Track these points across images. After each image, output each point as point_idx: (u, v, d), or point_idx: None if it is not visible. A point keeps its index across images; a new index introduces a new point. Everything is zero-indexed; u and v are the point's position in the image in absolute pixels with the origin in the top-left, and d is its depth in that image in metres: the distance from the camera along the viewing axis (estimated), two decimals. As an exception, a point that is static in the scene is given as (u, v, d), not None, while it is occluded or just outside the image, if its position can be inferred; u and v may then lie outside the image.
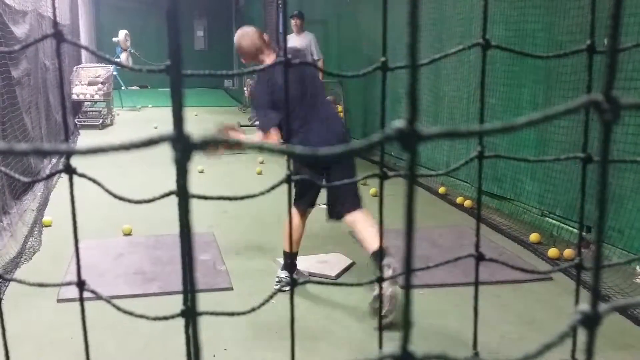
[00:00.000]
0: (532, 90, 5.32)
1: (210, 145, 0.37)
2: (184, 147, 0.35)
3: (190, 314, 0.41)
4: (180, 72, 0.36)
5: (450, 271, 4.11)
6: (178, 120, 0.35)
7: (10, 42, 5.62)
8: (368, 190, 6.42)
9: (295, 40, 8.90)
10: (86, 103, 12.11)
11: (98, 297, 0.70)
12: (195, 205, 0.41)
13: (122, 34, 15.26)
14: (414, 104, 0.33)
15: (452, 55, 0.86)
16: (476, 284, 0.70)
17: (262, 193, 0.70)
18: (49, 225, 5.29)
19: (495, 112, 5.70)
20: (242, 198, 0.66)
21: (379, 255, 3.42)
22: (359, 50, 9.17)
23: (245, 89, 14.39)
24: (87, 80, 11.87)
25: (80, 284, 0.65)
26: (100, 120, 11.64)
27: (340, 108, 8.98)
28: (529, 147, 5.36)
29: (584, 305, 0.37)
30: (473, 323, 0.90)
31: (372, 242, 3.59)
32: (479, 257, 0.71)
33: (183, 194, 0.37)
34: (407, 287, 0.42)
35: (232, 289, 4.06)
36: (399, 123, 0.34)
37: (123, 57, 14.90)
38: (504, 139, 5.62)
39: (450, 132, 0.34)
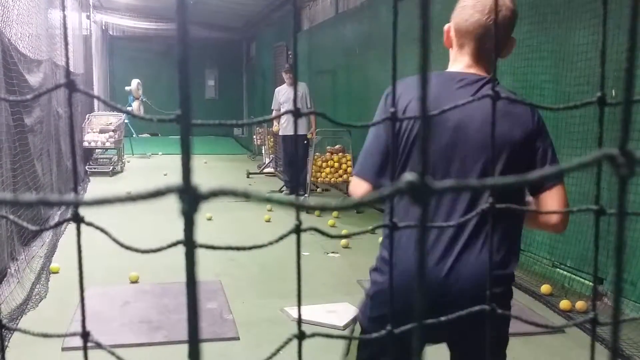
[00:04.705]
0: (540, 140, 5.33)
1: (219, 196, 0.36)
2: (191, 199, 0.35)
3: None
4: (189, 122, 0.36)
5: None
6: (186, 171, 0.35)
7: (24, 90, 5.71)
8: (377, 239, 6.39)
9: (289, 92, 9.04)
10: (97, 150, 12.24)
11: (102, 347, 0.69)
12: (202, 253, 0.41)
13: (135, 83, 15.52)
14: (425, 157, 0.33)
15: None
16: (487, 339, 0.68)
17: (270, 243, 0.70)
18: (57, 272, 5.27)
19: (504, 161, 5.70)
20: (249, 248, 0.66)
21: None
22: (368, 99, 9.27)
23: (254, 137, 14.52)
24: (99, 127, 12.02)
25: (85, 335, 0.64)
26: (111, 167, 11.74)
27: (349, 157, 9.03)
28: (539, 197, 5.33)
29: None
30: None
31: None
32: (492, 311, 0.69)
33: (190, 246, 0.36)
34: (419, 340, 0.41)
35: (238, 338, 4.01)
36: (410, 176, 0.34)
37: (135, 106, 15.12)
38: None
39: (462, 185, 0.34)
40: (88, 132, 11.82)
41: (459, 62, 1.88)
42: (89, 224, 0.65)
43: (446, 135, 1.80)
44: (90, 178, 11.06)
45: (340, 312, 4.42)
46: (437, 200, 1.82)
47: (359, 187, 1.88)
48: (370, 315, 1.87)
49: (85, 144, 11.62)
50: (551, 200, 1.84)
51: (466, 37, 1.82)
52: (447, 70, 1.94)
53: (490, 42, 1.77)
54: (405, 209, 1.79)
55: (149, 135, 19.78)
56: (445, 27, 1.90)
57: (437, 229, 1.78)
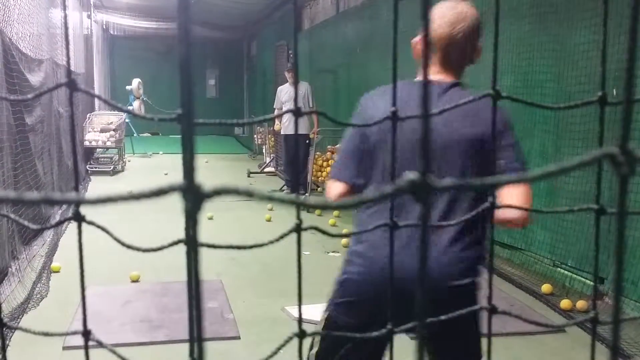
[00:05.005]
0: (541, 139, 5.33)
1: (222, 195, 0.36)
2: (194, 198, 0.35)
3: (196, 367, 0.40)
4: (192, 122, 0.36)
5: (461, 322, 4.03)
6: (189, 169, 0.35)
7: (25, 89, 5.71)
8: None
9: (292, 91, 9.05)
10: (98, 149, 12.25)
11: (103, 346, 0.69)
12: (203, 252, 0.41)
13: (136, 82, 15.53)
14: (426, 156, 0.33)
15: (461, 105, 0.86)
16: (489, 337, 0.68)
17: (271, 242, 0.70)
18: (58, 271, 5.27)
19: (504, 161, 5.69)
20: (250, 247, 0.66)
21: None
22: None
23: (255, 136, 14.53)
24: (100, 127, 12.03)
25: (86, 334, 0.64)
26: (112, 167, 11.74)
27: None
28: (540, 196, 5.33)
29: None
30: (486, 377, 0.87)
31: None
32: (492, 310, 0.69)
33: (192, 245, 0.36)
34: (421, 338, 0.41)
35: (239, 338, 4.01)
36: (411, 174, 0.34)
37: (136, 105, 15.13)
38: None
39: (463, 184, 0.34)
40: (89, 132, 11.83)
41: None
42: (90, 223, 0.65)
43: (416, 135, 1.85)
44: (91, 177, 11.07)
45: (341, 312, 4.42)
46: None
47: (334, 189, 1.98)
48: (336, 301, 1.96)
49: (86, 143, 11.63)
50: (513, 194, 1.86)
51: (432, 48, 1.95)
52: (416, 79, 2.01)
53: (455, 52, 1.92)
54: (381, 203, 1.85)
55: (149, 134, 19.78)
56: (414, 39, 1.99)
57: (400, 217, 1.84)
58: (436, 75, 1.95)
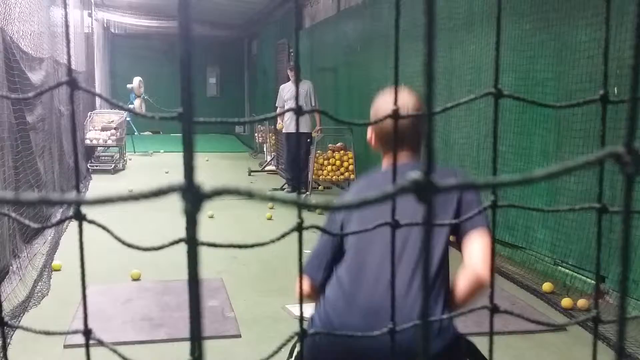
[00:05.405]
0: (542, 138, 5.32)
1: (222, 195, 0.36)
2: (194, 198, 0.35)
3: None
4: (192, 120, 0.36)
5: (462, 320, 4.03)
6: (189, 169, 0.35)
7: (26, 88, 5.71)
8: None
9: (294, 90, 9.04)
10: (99, 148, 12.25)
11: (104, 345, 0.69)
12: (204, 251, 0.41)
13: (136, 80, 15.52)
14: (430, 155, 0.33)
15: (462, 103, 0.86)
16: (491, 337, 0.68)
17: (272, 241, 0.69)
18: (59, 270, 5.27)
19: (506, 159, 5.69)
20: (251, 246, 0.65)
21: None
22: (369, 96, 9.24)
23: (256, 134, 14.52)
24: (101, 125, 12.03)
25: (87, 332, 0.64)
26: (113, 165, 11.75)
27: (350, 154, 9.02)
28: (541, 194, 5.33)
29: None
30: (487, 376, 0.87)
31: None
32: (494, 309, 0.69)
33: (192, 245, 0.36)
34: (425, 337, 0.41)
35: (240, 336, 4.01)
36: (414, 174, 0.34)
37: (137, 104, 15.12)
38: (514, 186, 5.58)
39: (467, 184, 0.34)
40: (90, 130, 11.83)
41: (387, 159, 2.10)
42: (91, 222, 0.64)
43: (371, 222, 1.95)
44: (92, 176, 11.07)
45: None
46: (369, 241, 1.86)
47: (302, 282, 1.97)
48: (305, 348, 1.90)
49: (87, 141, 11.64)
50: (471, 246, 1.84)
51: (386, 139, 2.06)
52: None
53: (410, 135, 2.00)
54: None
55: (150, 133, 19.78)
56: (368, 135, 2.14)
57: (350, 287, 1.83)
58: (399, 159, 2.01)
